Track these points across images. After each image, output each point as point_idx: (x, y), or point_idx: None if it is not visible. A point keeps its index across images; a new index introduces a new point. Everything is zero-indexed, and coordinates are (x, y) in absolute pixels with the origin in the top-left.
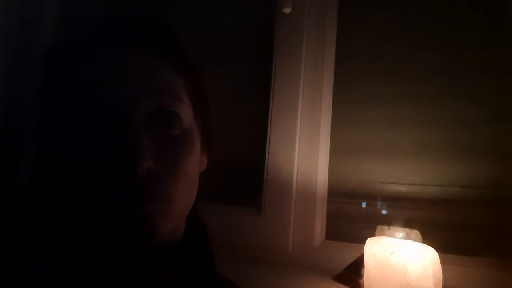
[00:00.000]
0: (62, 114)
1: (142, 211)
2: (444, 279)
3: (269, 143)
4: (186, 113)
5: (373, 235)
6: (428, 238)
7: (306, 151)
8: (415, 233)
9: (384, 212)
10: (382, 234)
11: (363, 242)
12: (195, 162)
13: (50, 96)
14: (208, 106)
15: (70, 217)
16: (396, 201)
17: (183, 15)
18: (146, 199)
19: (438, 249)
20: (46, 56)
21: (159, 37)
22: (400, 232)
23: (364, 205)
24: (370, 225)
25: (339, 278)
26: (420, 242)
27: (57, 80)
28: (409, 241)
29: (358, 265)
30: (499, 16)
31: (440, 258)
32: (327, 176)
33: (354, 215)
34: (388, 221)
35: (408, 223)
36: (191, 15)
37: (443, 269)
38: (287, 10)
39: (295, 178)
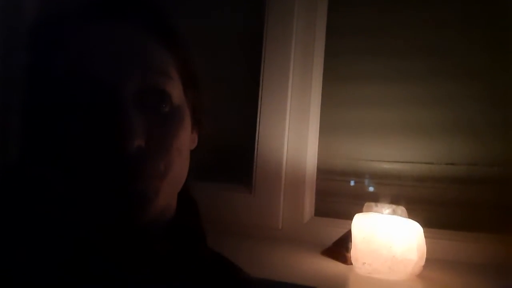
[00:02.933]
0: (49, 91)
1: (133, 189)
2: (428, 252)
3: (259, 121)
4: (176, 90)
5: (361, 211)
6: (413, 214)
7: (296, 129)
8: (401, 209)
9: (371, 189)
10: (369, 210)
11: (351, 218)
12: (186, 139)
13: (36, 72)
14: (198, 83)
15: (61, 197)
16: (383, 178)
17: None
18: (138, 176)
19: (422, 224)
20: (31, 31)
21: (148, 12)
22: (386, 209)
23: (352, 182)
24: (358, 202)
25: (327, 252)
26: (406, 218)
27: (43, 56)
28: (395, 217)
29: (346, 240)
30: None
31: (424, 232)
32: (317, 154)
33: (342, 192)
34: (375, 198)
35: (394, 200)
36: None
37: (427, 243)
38: None
39: (285, 155)
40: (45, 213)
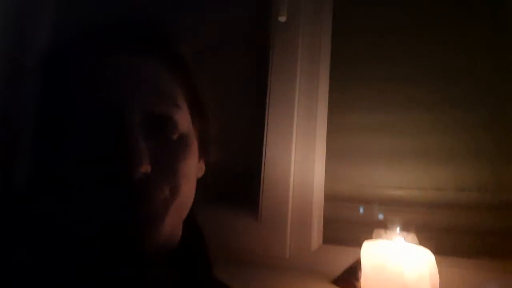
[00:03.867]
0: (59, 116)
1: (138, 215)
2: (441, 281)
3: (266, 147)
4: (183, 119)
5: (370, 238)
6: (424, 241)
7: (303, 155)
8: (412, 236)
9: (380, 216)
10: (379, 237)
11: (360, 245)
12: (193, 166)
13: (47, 97)
14: (207, 112)
15: (67, 221)
16: (392, 204)
17: (178, 21)
18: (143, 202)
19: (434, 252)
20: (44, 57)
21: (159, 41)
22: (396, 235)
23: (361, 209)
24: (367, 229)
25: (336, 281)
26: (417, 245)
27: (55, 82)
28: (405, 244)
29: (355, 268)
30: (502, 20)
31: (436, 260)
32: (324, 181)
33: (351, 219)
34: (385, 225)
35: (404, 227)
36: (187, 22)
37: (439, 272)
38: (283, 19)
39: (291, 182)
40: (50, 237)
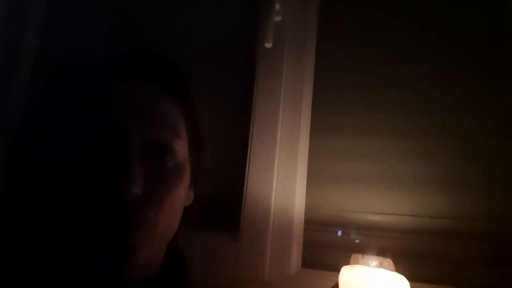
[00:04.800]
0: (59, 136)
1: (124, 237)
2: None
3: (248, 170)
4: (181, 149)
5: (348, 263)
6: (400, 266)
7: (284, 179)
8: (388, 261)
9: (358, 240)
10: (356, 262)
11: (338, 269)
12: (181, 195)
13: (47, 118)
14: (204, 144)
15: (51, 236)
16: (370, 230)
17: (167, 44)
18: (130, 225)
19: (409, 278)
20: (50, 79)
21: (165, 71)
22: (373, 261)
23: (339, 233)
24: (345, 253)
25: None
26: (393, 271)
27: (57, 103)
28: (382, 270)
29: None
30: (495, 47)
31: (411, 286)
32: (304, 205)
33: (329, 243)
34: (362, 250)
35: (381, 252)
36: (175, 46)
37: None
38: (268, 45)
39: (272, 206)
40: (32, 251)
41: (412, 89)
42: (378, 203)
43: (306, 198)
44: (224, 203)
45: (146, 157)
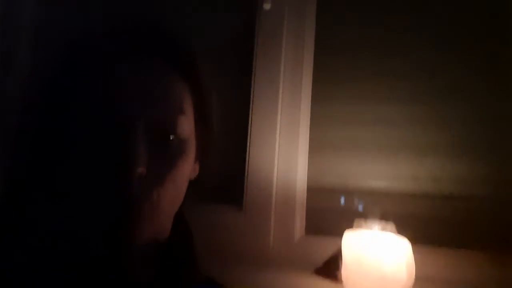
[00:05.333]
0: (63, 114)
1: (128, 212)
2: (416, 269)
3: (250, 141)
4: (187, 125)
5: (351, 228)
6: (402, 230)
7: (286, 148)
8: (390, 225)
9: (361, 206)
10: (359, 227)
11: (341, 235)
12: (185, 170)
13: (55, 97)
14: (211, 117)
15: (58, 215)
16: (372, 195)
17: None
18: (134, 201)
19: (411, 240)
20: (58, 59)
21: (173, 49)
22: (376, 225)
23: (342, 200)
24: (348, 218)
25: (319, 271)
26: (395, 234)
27: (63, 82)
28: (384, 233)
29: (336, 258)
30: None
31: (413, 249)
32: (307, 173)
33: (332, 210)
34: (365, 215)
35: (383, 216)
36: (171, 14)
37: (415, 260)
38: (267, 6)
39: (275, 175)
40: (43, 230)
41: (414, 54)
42: (380, 169)
43: (308, 166)
44: (227, 173)
45: (150, 135)
